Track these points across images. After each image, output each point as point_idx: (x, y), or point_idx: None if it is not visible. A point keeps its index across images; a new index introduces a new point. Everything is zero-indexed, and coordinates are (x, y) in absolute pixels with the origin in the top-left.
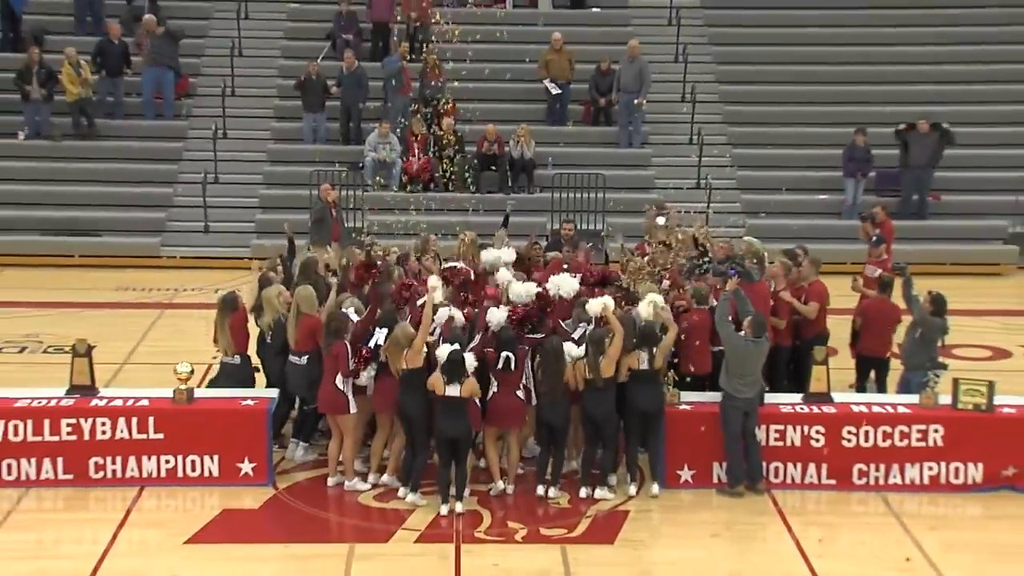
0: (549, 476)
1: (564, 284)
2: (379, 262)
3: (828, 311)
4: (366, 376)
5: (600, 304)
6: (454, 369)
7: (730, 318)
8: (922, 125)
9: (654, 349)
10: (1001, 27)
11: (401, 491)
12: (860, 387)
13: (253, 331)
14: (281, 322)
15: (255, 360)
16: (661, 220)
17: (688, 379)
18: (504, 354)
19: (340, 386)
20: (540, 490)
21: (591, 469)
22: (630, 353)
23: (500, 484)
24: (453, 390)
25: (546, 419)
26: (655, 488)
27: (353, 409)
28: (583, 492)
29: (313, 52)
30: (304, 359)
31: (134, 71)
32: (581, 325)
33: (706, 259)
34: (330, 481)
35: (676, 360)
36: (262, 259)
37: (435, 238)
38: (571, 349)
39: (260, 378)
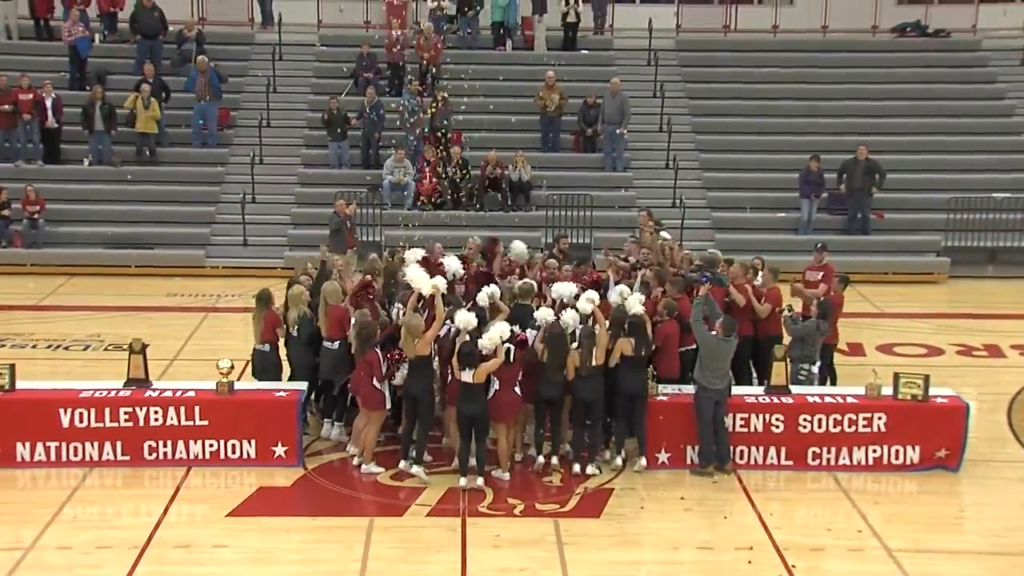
0: (585, 452)
1: (563, 290)
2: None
3: (840, 318)
4: (400, 376)
5: (591, 303)
6: (467, 357)
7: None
8: (861, 151)
9: (645, 336)
10: (936, 68)
11: (403, 463)
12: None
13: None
14: (306, 317)
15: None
16: (667, 235)
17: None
18: (506, 346)
19: (378, 386)
20: (540, 460)
21: (582, 448)
22: (620, 341)
23: (505, 474)
24: (467, 376)
25: (545, 395)
26: (642, 462)
27: (388, 405)
28: (576, 468)
29: (338, 88)
30: (336, 344)
31: (173, 105)
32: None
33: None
34: (350, 448)
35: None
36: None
37: (440, 246)
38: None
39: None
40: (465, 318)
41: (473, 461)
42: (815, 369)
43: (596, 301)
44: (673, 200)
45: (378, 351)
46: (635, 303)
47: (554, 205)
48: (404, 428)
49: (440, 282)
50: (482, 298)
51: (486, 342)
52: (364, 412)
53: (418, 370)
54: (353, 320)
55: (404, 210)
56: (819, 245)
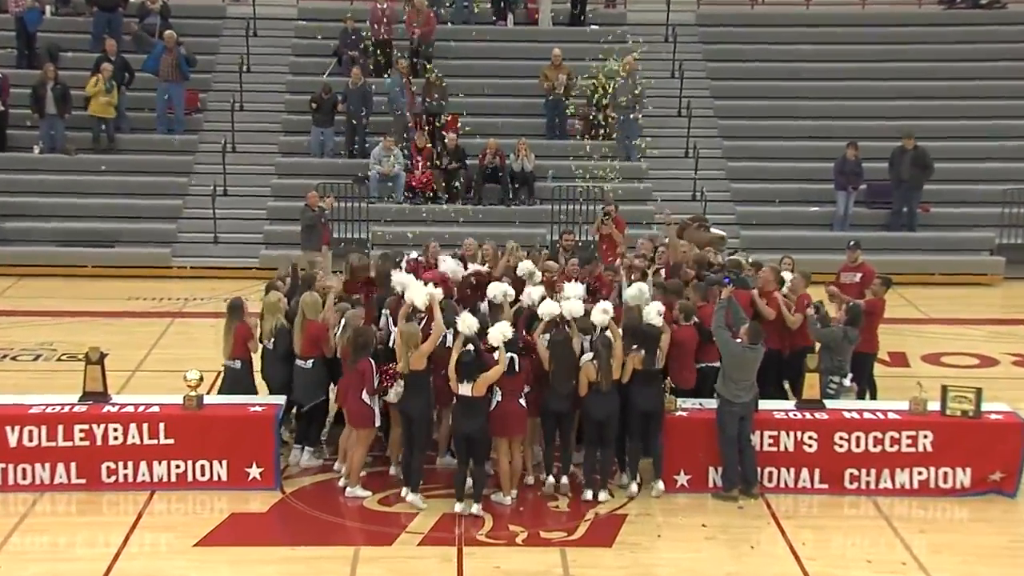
0: (598, 476)
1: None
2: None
3: (879, 323)
4: (394, 393)
5: (605, 315)
6: (467, 368)
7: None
8: (907, 143)
9: (656, 350)
10: (990, 44)
11: (403, 491)
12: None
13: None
14: (284, 328)
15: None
16: (720, 232)
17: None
18: (509, 355)
19: (367, 400)
20: (551, 480)
21: (593, 471)
22: (632, 354)
23: (506, 499)
24: (466, 389)
25: (553, 408)
26: (660, 486)
27: (378, 423)
28: (587, 494)
29: (320, 68)
30: (310, 363)
31: (134, 86)
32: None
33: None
34: (336, 467)
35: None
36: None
37: (436, 246)
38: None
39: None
40: (469, 322)
41: (471, 483)
42: (846, 381)
43: (611, 312)
44: (693, 193)
45: (372, 361)
46: (653, 312)
47: (560, 198)
48: (404, 455)
49: (436, 291)
50: (496, 295)
51: (493, 339)
52: (351, 429)
53: (414, 387)
54: (343, 322)
55: (393, 204)
56: (852, 243)
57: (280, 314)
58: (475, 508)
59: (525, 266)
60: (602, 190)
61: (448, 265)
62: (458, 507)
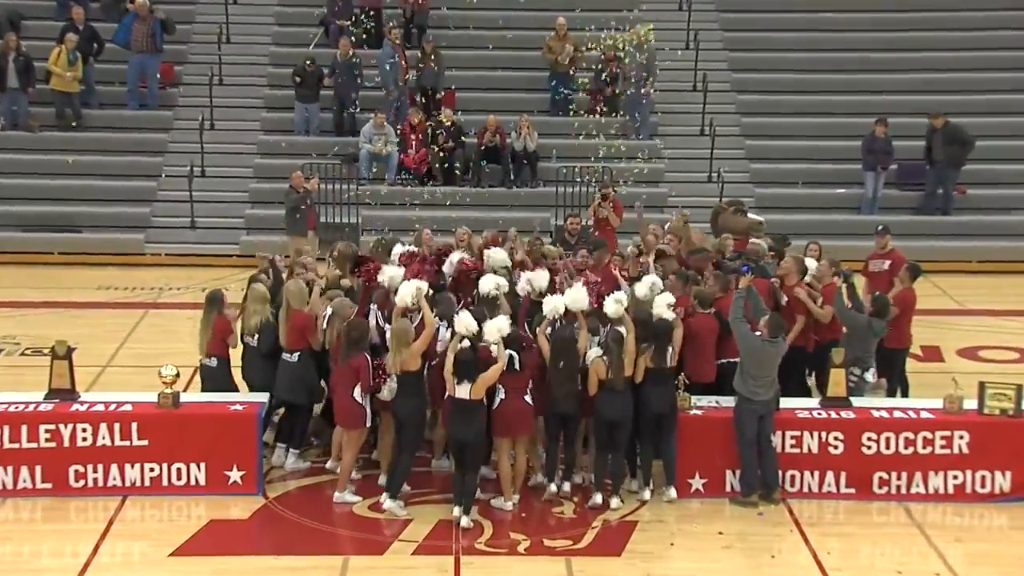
0: (609, 480)
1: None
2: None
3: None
4: (388, 390)
5: (619, 306)
6: (465, 368)
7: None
8: (935, 121)
9: (668, 347)
10: None
11: (382, 497)
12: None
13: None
14: (270, 324)
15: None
16: (755, 217)
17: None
18: (508, 353)
19: (358, 399)
20: (552, 487)
21: (604, 476)
22: (644, 351)
23: (507, 504)
24: (463, 391)
25: (558, 410)
26: (672, 492)
27: (369, 423)
28: (596, 499)
29: (305, 39)
30: (296, 356)
31: (104, 57)
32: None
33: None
34: (329, 465)
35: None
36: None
37: (429, 233)
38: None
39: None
40: (467, 322)
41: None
42: (869, 376)
43: (624, 303)
44: (709, 174)
45: (367, 356)
46: (662, 305)
47: (566, 180)
48: (391, 457)
49: (421, 284)
50: (488, 287)
51: (490, 335)
52: (341, 430)
53: (406, 388)
54: (329, 311)
55: (385, 186)
56: (880, 228)
57: (266, 307)
58: (464, 520)
59: (496, 257)
60: (609, 171)
61: (497, 256)
62: (456, 511)
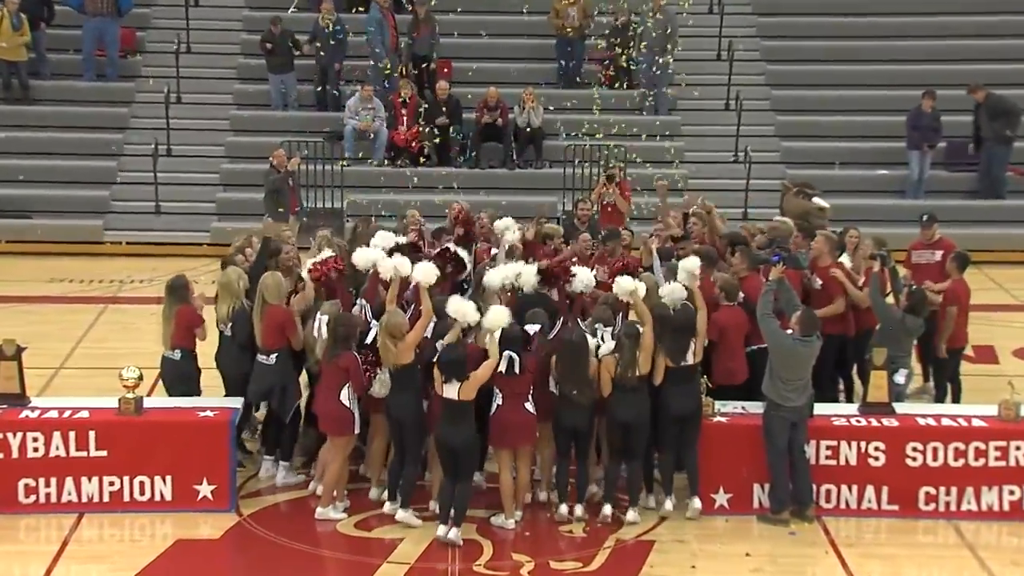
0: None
1: (582, 279)
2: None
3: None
4: (379, 383)
5: (631, 285)
6: (452, 367)
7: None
8: (975, 94)
9: (691, 340)
10: None
11: (388, 506)
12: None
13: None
14: (244, 311)
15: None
16: (822, 202)
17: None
18: (507, 354)
19: (346, 402)
20: (564, 509)
21: (616, 484)
22: (662, 346)
23: (509, 522)
24: (451, 390)
25: (568, 423)
26: (696, 503)
27: (358, 429)
28: (606, 510)
29: (282, 2)
30: (273, 357)
31: (56, 21)
32: (598, 326)
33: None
34: (312, 486)
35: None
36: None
37: (417, 215)
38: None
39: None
40: (463, 309)
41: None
42: (900, 378)
43: (640, 291)
44: (735, 153)
45: (356, 354)
46: (677, 289)
47: (574, 160)
48: (393, 461)
49: (430, 270)
50: (493, 282)
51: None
52: (331, 438)
53: (401, 384)
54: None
55: (373, 166)
56: (925, 217)
57: (240, 294)
58: (453, 533)
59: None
60: (621, 150)
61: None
62: (441, 530)
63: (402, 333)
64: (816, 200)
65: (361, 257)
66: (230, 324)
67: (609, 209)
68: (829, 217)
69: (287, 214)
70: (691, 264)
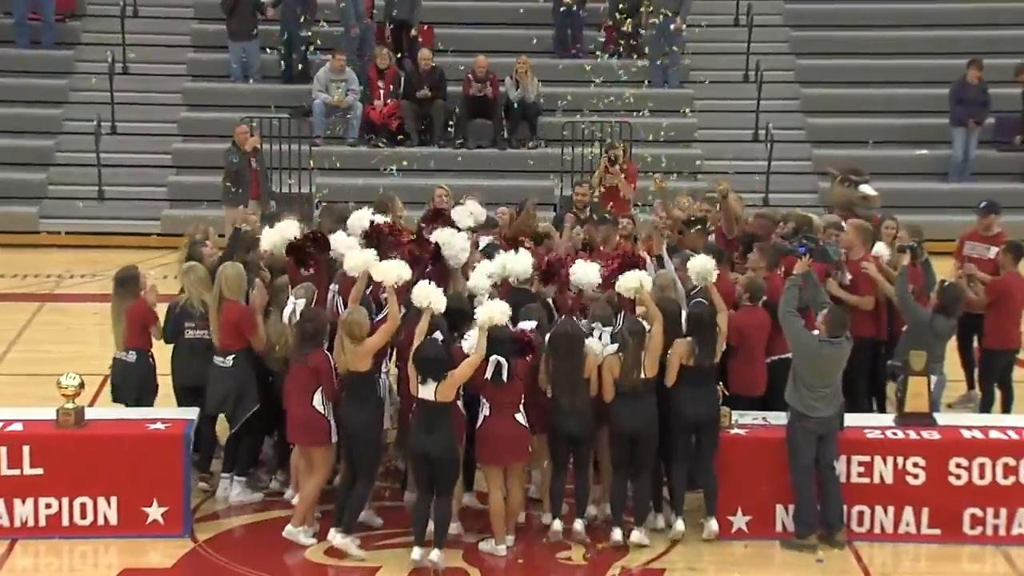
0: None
1: (584, 274)
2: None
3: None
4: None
5: (635, 281)
6: (429, 364)
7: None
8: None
9: (715, 339)
10: None
11: (331, 533)
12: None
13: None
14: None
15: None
16: (870, 190)
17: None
18: (494, 359)
19: (319, 407)
20: (557, 525)
21: (623, 505)
22: (676, 345)
23: (499, 548)
24: (428, 391)
25: (565, 430)
26: (712, 525)
27: (333, 438)
28: (615, 535)
29: None
30: (230, 360)
31: None
32: (596, 325)
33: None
34: (288, 494)
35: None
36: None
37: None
38: (592, 344)
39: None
40: (435, 297)
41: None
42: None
43: (646, 284)
44: (755, 130)
45: (328, 354)
46: (700, 269)
47: (574, 139)
48: (341, 481)
49: (402, 270)
50: (479, 283)
51: (484, 315)
52: (300, 450)
53: (356, 393)
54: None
55: (346, 146)
56: (983, 205)
57: (205, 292)
58: (435, 555)
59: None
60: (628, 127)
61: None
62: (416, 553)
63: (362, 334)
64: (863, 188)
65: (338, 243)
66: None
67: (611, 195)
68: (878, 207)
69: (245, 197)
70: (704, 265)
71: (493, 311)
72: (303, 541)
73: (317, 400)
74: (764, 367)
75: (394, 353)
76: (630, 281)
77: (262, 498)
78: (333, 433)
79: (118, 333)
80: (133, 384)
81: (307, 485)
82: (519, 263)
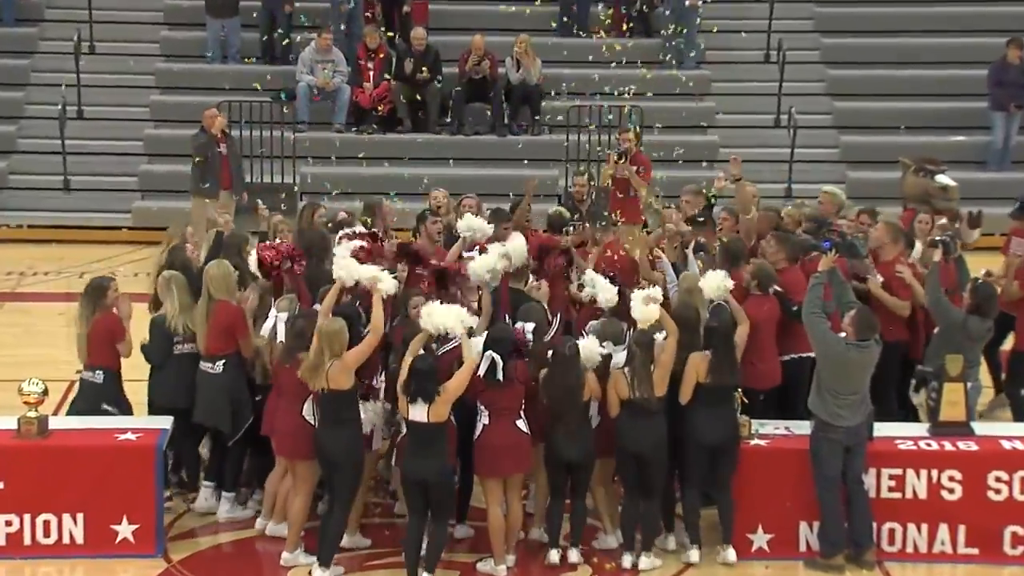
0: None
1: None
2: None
3: None
4: (373, 412)
5: (653, 313)
6: (422, 380)
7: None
8: None
9: (734, 354)
10: None
11: (314, 570)
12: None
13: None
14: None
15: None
16: (947, 180)
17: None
18: (488, 354)
19: (309, 417)
20: (554, 555)
21: (634, 526)
22: (692, 359)
23: (500, 568)
24: (419, 412)
25: (562, 455)
26: (730, 554)
27: None
28: (625, 561)
29: None
30: (220, 366)
31: None
32: (606, 345)
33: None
34: (259, 523)
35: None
36: None
37: (389, 203)
38: (592, 348)
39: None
40: (436, 315)
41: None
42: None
43: (659, 297)
44: (777, 114)
45: None
46: (714, 286)
47: (580, 124)
48: (325, 509)
49: (388, 282)
50: (478, 271)
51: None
52: (283, 462)
53: (335, 414)
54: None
55: (333, 132)
56: (1019, 205)
57: (185, 297)
58: None
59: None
60: (639, 112)
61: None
62: None
63: (341, 348)
64: (939, 179)
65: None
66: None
67: (622, 191)
68: (957, 199)
69: (216, 188)
70: (718, 283)
71: (483, 261)
72: (301, 561)
73: (307, 410)
74: (776, 360)
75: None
76: (643, 309)
77: (253, 515)
78: None
79: (82, 347)
80: (100, 408)
81: (293, 506)
82: (518, 248)
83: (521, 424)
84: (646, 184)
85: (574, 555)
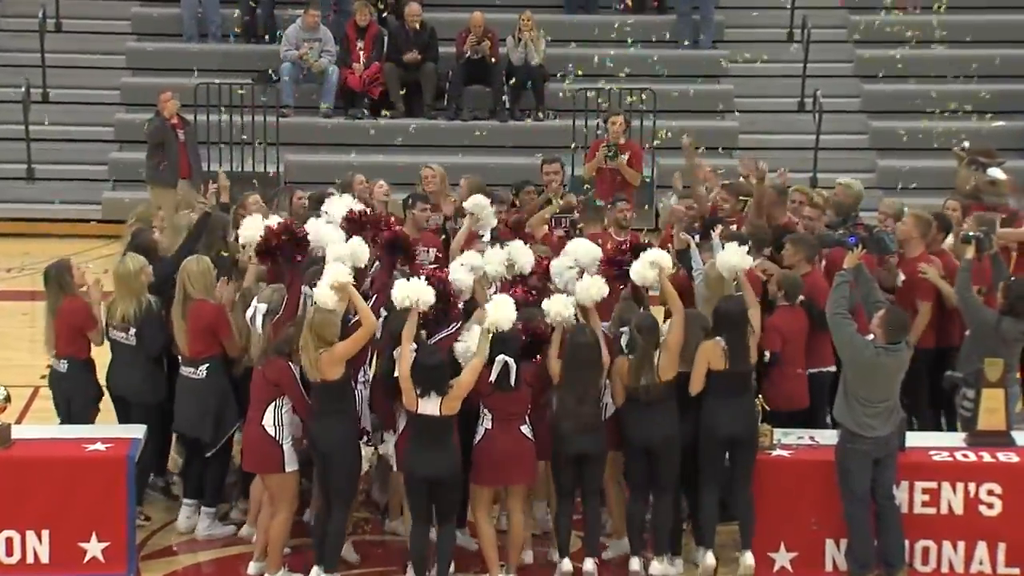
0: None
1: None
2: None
3: None
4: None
5: (653, 267)
6: (430, 373)
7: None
8: None
9: (746, 337)
10: None
11: (315, 571)
12: None
13: None
14: (152, 311)
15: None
16: (1000, 174)
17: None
18: (500, 358)
19: (269, 429)
20: (567, 566)
21: (642, 529)
22: (704, 346)
23: None
24: (431, 405)
25: (572, 447)
26: (748, 559)
27: (291, 466)
28: (634, 565)
29: None
30: (203, 371)
31: None
32: (623, 331)
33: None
34: (245, 531)
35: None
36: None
37: (384, 185)
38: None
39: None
40: (424, 297)
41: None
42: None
43: (667, 266)
44: (801, 99)
45: (292, 366)
46: (732, 263)
47: (587, 108)
48: (317, 513)
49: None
50: (460, 275)
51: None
52: (261, 478)
53: (328, 405)
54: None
55: (320, 116)
56: None
57: (143, 289)
58: None
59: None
60: (651, 93)
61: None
62: None
63: (332, 337)
64: (991, 172)
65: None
66: (135, 329)
67: (607, 177)
68: (1010, 194)
69: (173, 177)
70: (735, 258)
71: (500, 316)
72: None
73: (268, 419)
74: (805, 376)
75: (374, 358)
76: (643, 270)
77: (234, 532)
78: (287, 460)
79: (49, 336)
80: (70, 398)
81: (273, 524)
82: (524, 253)
83: (526, 430)
84: (639, 174)
85: (588, 565)
